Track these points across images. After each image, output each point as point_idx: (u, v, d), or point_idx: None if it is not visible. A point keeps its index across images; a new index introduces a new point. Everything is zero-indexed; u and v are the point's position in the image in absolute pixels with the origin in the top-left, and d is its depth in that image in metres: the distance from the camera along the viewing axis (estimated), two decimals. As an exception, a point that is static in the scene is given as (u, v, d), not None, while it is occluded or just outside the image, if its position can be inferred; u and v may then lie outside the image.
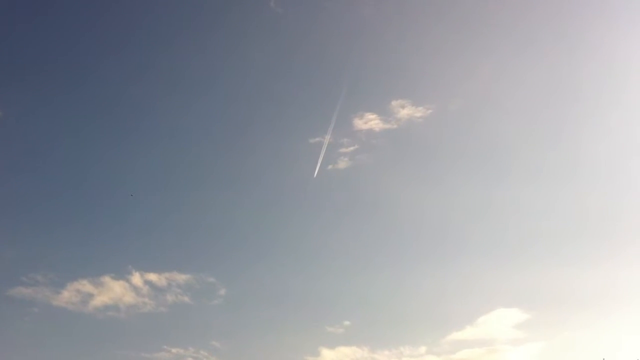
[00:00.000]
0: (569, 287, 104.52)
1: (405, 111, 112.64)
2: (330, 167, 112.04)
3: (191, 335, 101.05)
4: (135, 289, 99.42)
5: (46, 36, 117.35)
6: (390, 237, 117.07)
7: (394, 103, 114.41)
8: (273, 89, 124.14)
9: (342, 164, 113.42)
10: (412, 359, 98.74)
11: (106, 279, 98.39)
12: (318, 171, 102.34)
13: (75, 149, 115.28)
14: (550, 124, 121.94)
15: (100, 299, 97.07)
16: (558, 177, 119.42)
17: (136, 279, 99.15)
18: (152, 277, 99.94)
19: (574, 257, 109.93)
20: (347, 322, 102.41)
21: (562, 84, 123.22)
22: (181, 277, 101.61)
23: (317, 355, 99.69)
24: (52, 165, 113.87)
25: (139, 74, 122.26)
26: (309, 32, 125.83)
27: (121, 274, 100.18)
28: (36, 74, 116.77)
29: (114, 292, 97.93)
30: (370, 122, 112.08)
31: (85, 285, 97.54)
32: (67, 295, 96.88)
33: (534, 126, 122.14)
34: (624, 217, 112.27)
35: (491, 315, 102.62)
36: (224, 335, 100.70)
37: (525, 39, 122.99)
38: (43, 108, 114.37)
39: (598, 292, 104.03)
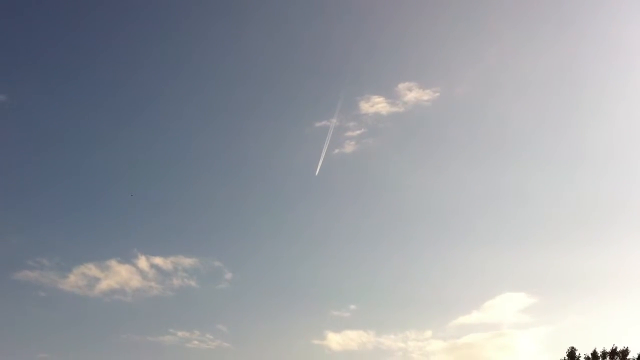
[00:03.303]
0: (575, 271, 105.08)
1: (412, 94, 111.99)
2: (336, 151, 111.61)
3: (197, 318, 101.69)
4: (141, 272, 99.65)
5: (50, 23, 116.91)
6: (397, 221, 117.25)
7: (400, 86, 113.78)
8: (279, 72, 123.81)
9: (349, 147, 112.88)
10: (418, 343, 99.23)
11: (112, 263, 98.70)
12: (325, 155, 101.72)
13: (82, 134, 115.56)
14: (556, 109, 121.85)
15: (107, 283, 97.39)
16: (564, 162, 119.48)
17: (142, 262, 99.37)
18: (158, 260, 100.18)
19: (581, 242, 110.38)
20: (353, 306, 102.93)
21: (568, 70, 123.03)
22: (187, 261, 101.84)
23: (323, 338, 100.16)
24: (58, 150, 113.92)
25: (147, 59, 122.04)
26: (315, 15, 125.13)
27: (127, 258, 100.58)
28: (41, 60, 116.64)
29: (120, 276, 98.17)
30: (377, 105, 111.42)
31: (92, 269, 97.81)
32: (74, 279, 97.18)
33: (541, 112, 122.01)
34: (630, 203, 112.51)
35: (497, 300, 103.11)
36: (230, 319, 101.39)
37: (532, 24, 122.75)
38: (48, 94, 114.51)
39: (604, 276, 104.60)
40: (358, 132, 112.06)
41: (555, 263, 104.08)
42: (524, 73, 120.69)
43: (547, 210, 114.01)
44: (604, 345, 65.86)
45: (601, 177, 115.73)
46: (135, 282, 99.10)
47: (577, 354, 66.34)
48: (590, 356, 65.91)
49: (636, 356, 64.08)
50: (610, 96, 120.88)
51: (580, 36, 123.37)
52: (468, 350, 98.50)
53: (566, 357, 66.75)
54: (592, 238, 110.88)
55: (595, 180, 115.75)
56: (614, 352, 65.21)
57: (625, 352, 65.03)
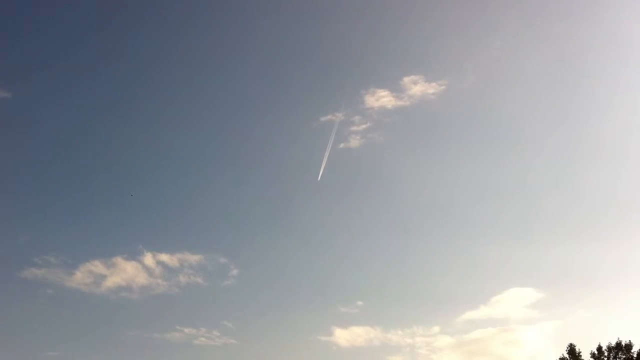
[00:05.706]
0: (583, 266, 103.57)
1: (418, 87, 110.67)
2: (342, 145, 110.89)
3: (204, 315, 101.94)
4: (147, 269, 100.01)
5: (59, 20, 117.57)
6: (404, 217, 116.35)
7: (406, 79, 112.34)
8: (284, 67, 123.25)
9: (354, 142, 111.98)
10: (426, 338, 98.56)
11: (118, 260, 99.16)
12: (330, 149, 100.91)
13: (87, 132, 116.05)
14: (565, 103, 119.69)
15: (113, 280, 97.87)
16: (574, 156, 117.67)
17: (148, 259, 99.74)
18: (164, 257, 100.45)
19: (589, 237, 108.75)
20: (360, 302, 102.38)
21: (576, 62, 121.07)
22: (193, 258, 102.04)
23: (330, 334, 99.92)
24: (63, 148, 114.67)
25: (156, 59, 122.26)
26: (319, 9, 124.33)
27: (132, 255, 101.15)
28: (48, 57, 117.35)
29: (126, 273, 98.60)
30: (382, 98, 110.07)
31: (98, 267, 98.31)
32: (80, 277, 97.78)
33: (549, 105, 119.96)
34: (639, 198, 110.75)
35: (505, 295, 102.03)
36: (236, 316, 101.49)
37: (539, 17, 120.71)
38: (54, 90, 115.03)
39: (613, 271, 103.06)
40: (363, 126, 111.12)
41: (563, 258, 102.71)
42: (531, 66, 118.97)
43: (555, 205, 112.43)
44: (612, 340, 65.19)
45: (610, 171, 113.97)
46: (142, 278, 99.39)
47: (577, 350, 65.66)
48: (595, 352, 65.28)
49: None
50: (618, 89, 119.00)
51: (587, 28, 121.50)
52: (476, 345, 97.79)
53: (567, 355, 66.02)
54: (600, 233, 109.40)
55: (604, 174, 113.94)
56: (618, 346, 64.59)
57: (629, 346, 64.34)
